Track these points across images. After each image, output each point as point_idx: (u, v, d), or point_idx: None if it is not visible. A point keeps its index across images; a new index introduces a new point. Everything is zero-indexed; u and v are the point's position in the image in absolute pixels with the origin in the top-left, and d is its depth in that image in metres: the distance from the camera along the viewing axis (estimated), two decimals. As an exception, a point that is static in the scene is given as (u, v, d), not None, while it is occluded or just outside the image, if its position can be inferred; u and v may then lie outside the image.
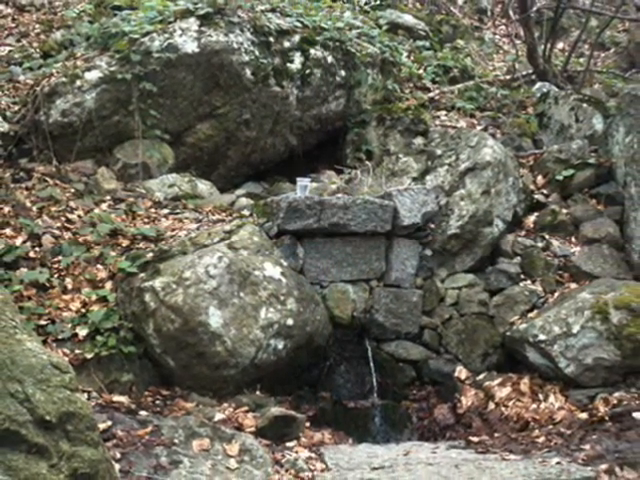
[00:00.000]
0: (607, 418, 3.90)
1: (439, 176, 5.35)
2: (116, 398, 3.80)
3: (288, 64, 6.09)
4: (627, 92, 5.39)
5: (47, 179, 5.14)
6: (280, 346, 4.25)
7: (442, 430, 4.47)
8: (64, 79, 5.46)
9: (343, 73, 6.41)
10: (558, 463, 3.47)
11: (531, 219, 5.43)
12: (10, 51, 6.44)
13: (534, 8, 8.20)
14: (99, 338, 4.00)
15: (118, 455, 3.23)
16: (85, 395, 3.62)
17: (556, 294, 4.79)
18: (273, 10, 6.37)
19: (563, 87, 7.16)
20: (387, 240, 4.95)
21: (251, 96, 5.91)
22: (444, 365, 4.79)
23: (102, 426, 3.32)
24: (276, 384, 4.34)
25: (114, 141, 5.55)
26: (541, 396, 4.32)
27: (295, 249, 4.71)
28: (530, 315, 4.69)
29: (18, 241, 4.45)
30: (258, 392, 4.22)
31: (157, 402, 3.95)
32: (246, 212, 5.19)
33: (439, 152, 5.54)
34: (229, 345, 4.06)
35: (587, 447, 3.62)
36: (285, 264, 4.53)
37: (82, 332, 4.00)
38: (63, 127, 5.41)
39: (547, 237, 5.22)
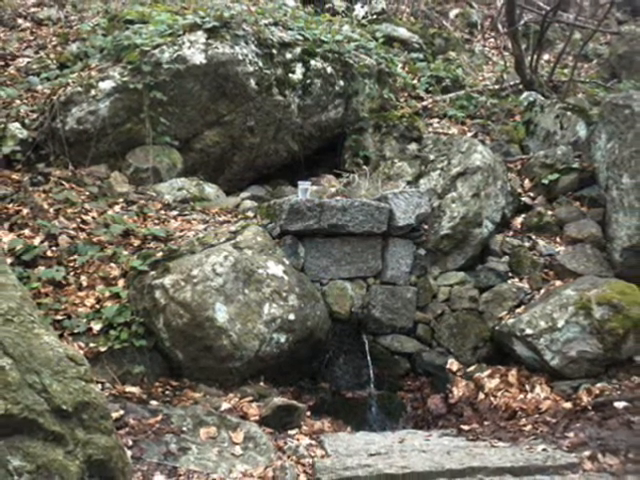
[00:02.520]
0: (590, 407, 3.89)
1: (432, 180, 5.35)
2: (128, 389, 3.80)
3: (290, 74, 6.09)
4: (609, 101, 5.38)
5: (63, 183, 5.13)
6: (282, 340, 4.24)
7: (435, 419, 4.46)
8: (79, 89, 5.46)
9: (342, 83, 6.41)
10: (544, 450, 3.47)
11: (518, 220, 5.43)
12: (28, 62, 6.44)
13: (521, 22, 8.20)
14: (112, 332, 4.00)
15: (130, 442, 3.23)
16: (99, 386, 3.61)
17: (542, 291, 4.79)
18: (276, 24, 6.37)
19: (549, 96, 7.16)
20: (383, 240, 4.95)
21: (255, 105, 5.91)
22: (437, 358, 4.79)
23: (115, 415, 3.33)
24: (278, 375, 4.33)
25: (126, 147, 5.56)
26: (528, 387, 4.32)
27: (296, 248, 4.71)
28: (517, 311, 4.69)
29: (36, 241, 4.45)
30: (262, 383, 4.22)
31: (167, 392, 3.95)
32: (250, 214, 5.19)
33: (432, 157, 5.54)
34: (234, 339, 4.05)
35: (571, 435, 3.62)
36: (287, 262, 4.53)
37: (96, 327, 4.00)
38: (78, 134, 5.41)
39: (533, 237, 5.22)
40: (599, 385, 4.10)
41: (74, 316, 4.05)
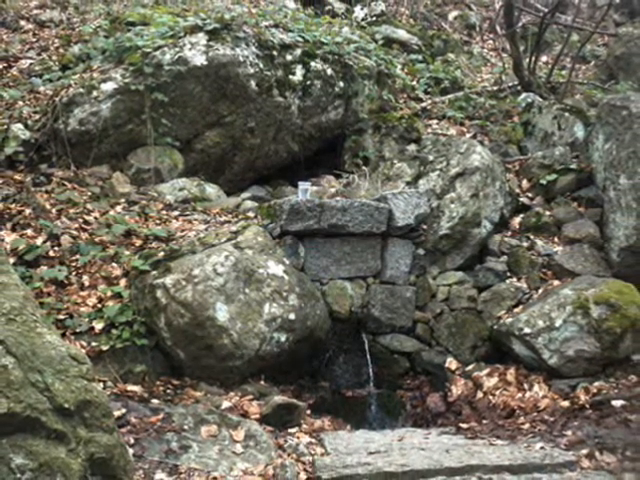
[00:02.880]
0: (588, 406, 3.89)
1: (431, 180, 5.35)
2: (130, 387, 3.80)
3: (290, 76, 6.08)
4: (606, 102, 5.38)
5: (65, 183, 5.14)
6: (283, 339, 4.24)
7: (434, 417, 4.46)
8: (81, 90, 5.47)
9: (341, 84, 6.41)
10: (542, 448, 3.47)
11: (517, 220, 5.43)
12: (31, 64, 6.45)
13: (519, 24, 8.21)
14: (114, 331, 4.00)
15: (132, 440, 3.23)
16: (101, 384, 3.61)
17: (540, 290, 4.79)
18: (276, 26, 6.37)
19: (546, 97, 7.16)
20: (382, 240, 4.95)
21: (256, 106, 5.91)
22: (435, 356, 4.79)
23: (117, 413, 3.32)
24: (279, 374, 4.34)
25: (128, 148, 5.56)
26: (526, 385, 4.32)
27: (297, 248, 4.71)
28: (516, 310, 4.68)
29: (38, 241, 4.45)
30: (262, 382, 4.22)
31: (168, 391, 3.95)
32: (251, 214, 5.19)
33: (431, 158, 5.54)
34: (235, 338, 4.05)
35: (569, 433, 3.62)
36: (287, 262, 4.53)
37: (98, 326, 4.01)
38: (80, 135, 5.41)
39: (532, 237, 5.22)
40: (597, 384, 4.10)
41: (76, 315, 4.06)
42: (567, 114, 6.21)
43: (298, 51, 6.20)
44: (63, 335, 3.85)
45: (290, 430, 3.79)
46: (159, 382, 4.02)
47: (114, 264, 4.44)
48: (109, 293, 4.23)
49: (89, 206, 4.95)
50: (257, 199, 5.69)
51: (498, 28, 9.87)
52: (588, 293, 4.35)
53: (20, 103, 5.74)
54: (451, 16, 10.69)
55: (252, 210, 5.28)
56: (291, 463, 3.29)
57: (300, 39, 6.30)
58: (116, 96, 5.47)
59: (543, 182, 5.56)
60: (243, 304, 4.14)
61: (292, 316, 4.27)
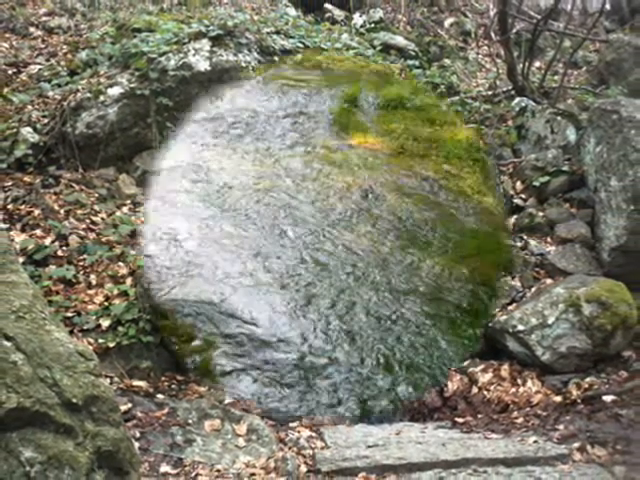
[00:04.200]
0: (579, 401, 3.89)
1: (428, 182, 5.34)
2: (136, 383, 3.80)
3: (291, 81, 6.08)
4: (597, 106, 5.38)
5: (73, 185, 5.14)
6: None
7: (430, 412, 4.44)
8: (89, 94, 5.47)
9: (341, 89, 6.39)
10: (535, 442, 3.47)
11: (511, 221, 5.43)
12: (40, 69, 6.45)
13: (513, 30, 8.21)
14: (120, 329, 4.00)
15: (138, 434, 3.23)
16: (108, 380, 3.62)
17: (533, 289, 4.79)
18: (278, 32, 6.38)
19: (540, 102, 7.16)
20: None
21: (258, 110, 5.90)
22: (432, 353, 4.77)
23: (123, 408, 3.33)
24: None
25: (134, 150, 5.56)
26: (520, 381, 4.31)
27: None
28: (510, 308, 4.68)
29: (47, 241, 4.46)
30: (264, 377, 4.21)
31: (173, 386, 3.94)
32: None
33: (428, 160, 5.54)
34: (238, 335, 4.05)
35: (561, 427, 3.61)
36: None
37: (105, 323, 4.01)
38: (88, 138, 5.41)
39: (525, 237, 5.22)
40: (588, 379, 4.09)
41: (84, 313, 4.06)
42: (559, 118, 6.22)
43: (299, 56, 6.20)
44: (71, 332, 3.85)
45: (291, 424, 3.79)
46: (164, 378, 4.01)
47: (120, 263, 4.44)
48: (115, 291, 4.23)
49: (96, 207, 4.95)
50: (259, 200, 5.67)
51: (493, 34, 9.86)
52: (580, 291, 4.35)
53: (29, 107, 5.75)
54: (447, 23, 10.68)
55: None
56: (292, 456, 3.29)
57: (301, 45, 6.30)
58: (122, 100, 5.47)
59: (536, 184, 5.57)
60: (245, 302, 4.13)
61: (293, 314, 4.25)
